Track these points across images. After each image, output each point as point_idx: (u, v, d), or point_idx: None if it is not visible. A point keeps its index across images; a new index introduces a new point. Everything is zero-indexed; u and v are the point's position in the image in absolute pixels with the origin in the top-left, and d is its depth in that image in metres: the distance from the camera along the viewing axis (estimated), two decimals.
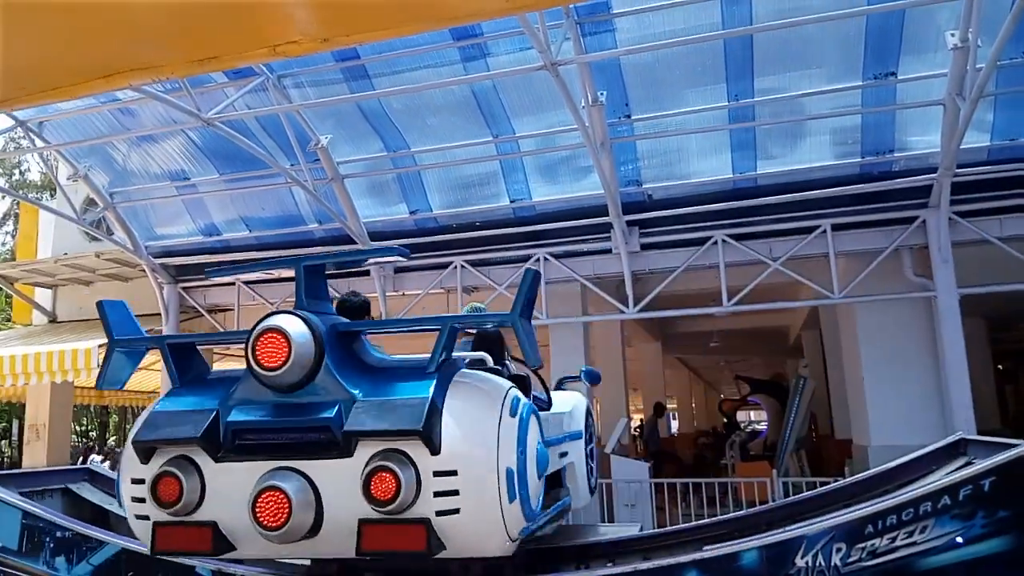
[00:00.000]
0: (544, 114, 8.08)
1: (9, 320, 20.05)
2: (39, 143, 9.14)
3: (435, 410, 2.71)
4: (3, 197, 31.37)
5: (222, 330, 10.08)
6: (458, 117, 8.26)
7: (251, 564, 3.52)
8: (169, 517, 2.82)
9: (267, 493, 2.65)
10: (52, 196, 20.93)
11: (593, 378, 5.05)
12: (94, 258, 11.28)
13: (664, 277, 9.10)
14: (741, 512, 4.61)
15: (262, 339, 2.75)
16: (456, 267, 9.78)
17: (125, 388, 12.23)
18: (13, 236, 29.06)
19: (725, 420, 19.75)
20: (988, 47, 6.14)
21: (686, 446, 18.44)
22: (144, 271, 10.76)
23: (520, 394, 3.07)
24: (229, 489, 2.80)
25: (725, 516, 4.52)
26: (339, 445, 2.71)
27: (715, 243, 8.89)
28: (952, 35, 6.26)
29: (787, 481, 8.86)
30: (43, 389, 12.21)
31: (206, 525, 2.82)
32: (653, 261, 9.27)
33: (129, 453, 2.95)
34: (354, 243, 9.50)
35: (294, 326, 2.78)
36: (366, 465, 2.67)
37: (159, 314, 10.73)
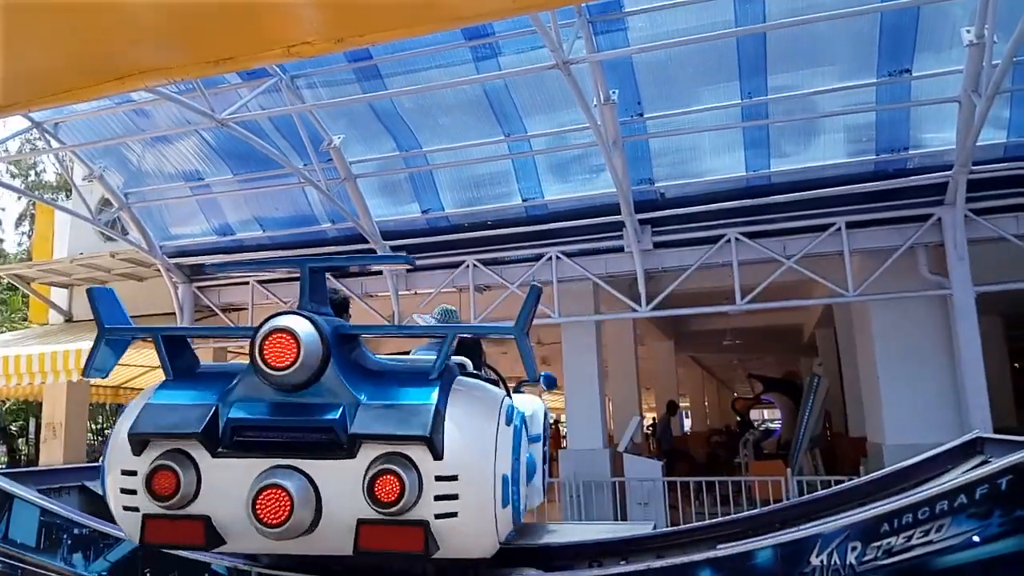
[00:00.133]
0: (556, 113, 8.07)
1: (26, 319, 20.25)
2: (55, 144, 9.22)
3: (439, 417, 2.77)
4: (19, 198, 31.67)
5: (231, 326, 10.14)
6: (470, 116, 8.27)
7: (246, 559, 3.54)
8: (161, 510, 2.82)
9: (269, 490, 2.68)
10: (67, 197, 21.09)
11: (550, 383, 5.14)
12: (109, 258, 11.36)
13: (677, 275, 9.08)
14: (755, 511, 4.59)
15: (270, 339, 2.76)
16: (468, 266, 9.80)
17: (142, 386, 12.31)
18: (29, 236, 29.34)
19: (738, 419, 19.69)
20: (1004, 43, 6.09)
21: (699, 445, 18.39)
22: (159, 271, 10.83)
23: (512, 402, 3.15)
24: (225, 484, 2.81)
25: (739, 515, 4.50)
26: (342, 446, 2.74)
27: (728, 241, 8.86)
28: (968, 31, 6.22)
29: (801, 480, 8.83)
30: (59, 388, 12.31)
31: (199, 519, 2.83)
32: (666, 259, 9.26)
33: (118, 444, 2.93)
34: (366, 242, 9.53)
35: (303, 327, 2.79)
36: (369, 467, 2.72)
37: (174, 313, 10.81)
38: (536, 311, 3.05)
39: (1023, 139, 7.67)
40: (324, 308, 3.20)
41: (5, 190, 31.10)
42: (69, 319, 12.96)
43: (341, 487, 2.76)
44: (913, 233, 8.36)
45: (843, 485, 4.41)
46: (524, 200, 9.23)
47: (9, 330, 21.07)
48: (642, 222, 8.94)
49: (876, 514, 3.15)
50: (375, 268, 10.03)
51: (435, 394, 2.83)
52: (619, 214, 8.58)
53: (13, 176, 29.93)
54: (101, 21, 1.59)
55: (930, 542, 3.05)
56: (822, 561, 3.08)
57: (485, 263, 9.81)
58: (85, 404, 13.38)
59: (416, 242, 9.87)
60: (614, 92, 7.07)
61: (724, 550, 3.29)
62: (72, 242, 13.19)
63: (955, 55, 6.84)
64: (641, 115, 7.90)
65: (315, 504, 2.76)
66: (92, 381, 11.76)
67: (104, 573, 3.61)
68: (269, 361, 2.75)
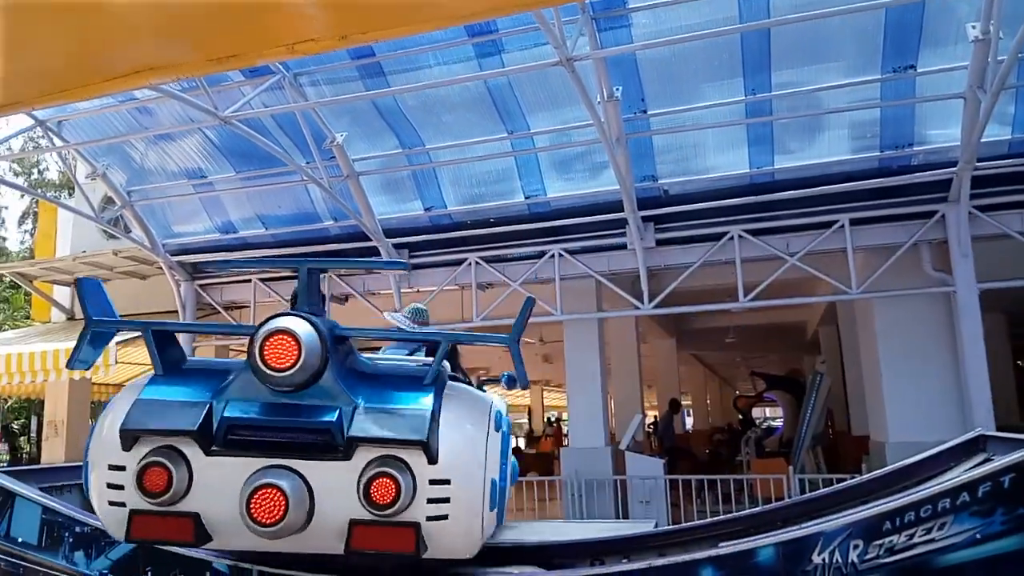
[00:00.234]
0: (559, 110, 8.06)
1: (28, 317, 20.28)
2: (58, 142, 9.23)
3: (435, 422, 2.83)
4: (22, 196, 31.72)
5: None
6: (473, 114, 8.26)
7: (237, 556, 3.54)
8: (150, 506, 2.82)
9: (264, 490, 2.69)
10: (70, 195, 21.14)
11: (511, 383, 5.20)
12: (112, 256, 11.37)
13: (680, 273, 9.07)
14: (757, 509, 4.58)
15: (271, 340, 2.77)
16: (471, 263, 9.80)
17: None
18: (32, 234, 29.39)
19: (740, 417, 19.68)
20: (1010, 39, 6.07)
21: (701, 443, 18.39)
22: (161, 269, 10.84)
23: (500, 409, 3.23)
24: (217, 482, 2.82)
25: (741, 513, 4.49)
26: (339, 448, 2.77)
27: (731, 238, 8.85)
28: (973, 27, 6.19)
29: (803, 478, 8.82)
30: (61, 386, 12.34)
31: (188, 516, 2.84)
32: (669, 257, 9.25)
33: (104, 438, 2.93)
34: (369, 240, 9.53)
35: (304, 329, 2.79)
36: (364, 469, 2.76)
37: (176, 311, 10.82)
38: (529, 319, 3.13)
39: None
40: (319, 308, 3.21)
41: (8, 188, 31.14)
42: (71, 317, 12.97)
43: (335, 488, 2.79)
44: (917, 230, 8.34)
45: (845, 483, 4.40)
46: (527, 197, 9.22)
47: (11, 328, 21.12)
48: (645, 219, 8.93)
49: (878, 512, 3.14)
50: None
51: (430, 399, 2.89)
52: (622, 211, 8.58)
53: (16, 174, 29.97)
54: (105, 19, 1.59)
55: (932, 540, 3.04)
56: (824, 559, 3.08)
57: (488, 260, 9.81)
58: (87, 402, 13.40)
59: (418, 239, 9.87)
60: (617, 89, 7.06)
61: (726, 548, 3.29)
62: (75, 240, 13.21)
63: (960, 51, 6.82)
64: (644, 112, 7.89)
65: (308, 504, 2.78)
66: (94, 379, 11.77)
67: (105, 571, 3.61)
68: (269, 362, 2.76)
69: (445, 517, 2.81)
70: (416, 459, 2.77)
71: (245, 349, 2.86)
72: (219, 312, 11.03)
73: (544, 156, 8.79)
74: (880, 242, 8.56)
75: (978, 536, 3.02)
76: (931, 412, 8.33)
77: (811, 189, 8.27)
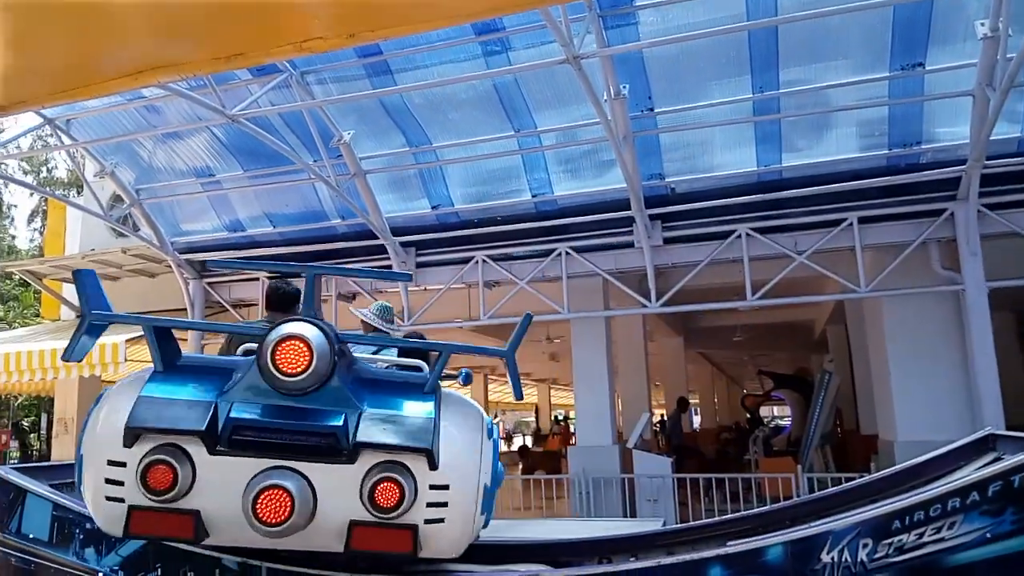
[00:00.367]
0: (566, 108, 8.05)
1: (38, 315, 20.39)
2: (67, 141, 9.26)
3: (437, 429, 2.93)
4: (31, 194, 31.88)
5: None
6: (480, 112, 8.26)
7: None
8: (150, 502, 2.84)
9: (271, 491, 2.75)
10: (79, 193, 21.22)
11: (467, 379, 5.28)
12: (120, 254, 11.41)
13: (687, 271, 9.06)
14: (765, 508, 4.57)
15: (284, 345, 2.81)
16: (478, 262, 9.80)
17: None
18: (41, 232, 29.53)
19: (748, 415, 19.64)
20: (1019, 36, 6.05)
21: (709, 441, 18.38)
22: (170, 267, 10.88)
23: (489, 417, 3.34)
24: (220, 481, 2.85)
25: (749, 511, 4.48)
26: (344, 452, 2.83)
27: (739, 237, 8.83)
28: (982, 24, 6.16)
29: (812, 477, 8.80)
30: (71, 383, 12.40)
31: (189, 513, 2.87)
32: (676, 255, 9.23)
33: (102, 433, 2.93)
34: (376, 238, 9.55)
35: (315, 335, 2.84)
36: (368, 472, 2.84)
37: (185, 309, 10.86)
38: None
39: None
40: (318, 313, 3.27)
41: (17, 186, 31.33)
42: (80, 315, 13.02)
43: (337, 490, 2.85)
44: (926, 228, 8.31)
45: (854, 482, 4.38)
46: (534, 196, 9.22)
47: (21, 326, 21.23)
48: (652, 217, 8.92)
49: (887, 511, 3.13)
50: (385, 263, 10.03)
51: (431, 407, 2.99)
52: (629, 209, 8.57)
53: (25, 172, 30.13)
54: (113, 18, 1.59)
55: (942, 539, 3.03)
56: (833, 558, 3.07)
57: (494, 259, 9.81)
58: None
59: (425, 238, 9.88)
60: (624, 87, 7.05)
61: (734, 547, 3.28)
62: (84, 238, 13.27)
63: (969, 48, 6.78)
64: (652, 110, 7.87)
65: (312, 505, 2.84)
66: (103, 376, 11.82)
67: (116, 567, 3.63)
68: (281, 367, 2.80)
69: (442, 520, 2.91)
70: (418, 465, 2.85)
71: (221, 343, 2.88)
72: (227, 310, 11.07)
73: (551, 154, 8.79)
74: (889, 240, 8.53)
75: (988, 535, 3.01)
76: (940, 411, 8.30)
77: (819, 187, 8.25)
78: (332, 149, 8.45)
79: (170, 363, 3.09)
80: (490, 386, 25.57)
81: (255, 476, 2.80)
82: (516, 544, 4.33)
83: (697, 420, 25.66)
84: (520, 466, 18.52)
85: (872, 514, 3.17)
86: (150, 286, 12.03)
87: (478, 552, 4.09)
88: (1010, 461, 3.12)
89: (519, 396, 3.34)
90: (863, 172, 8.19)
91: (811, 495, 4.77)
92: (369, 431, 2.85)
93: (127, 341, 9.57)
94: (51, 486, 4.05)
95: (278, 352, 2.80)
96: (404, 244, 9.91)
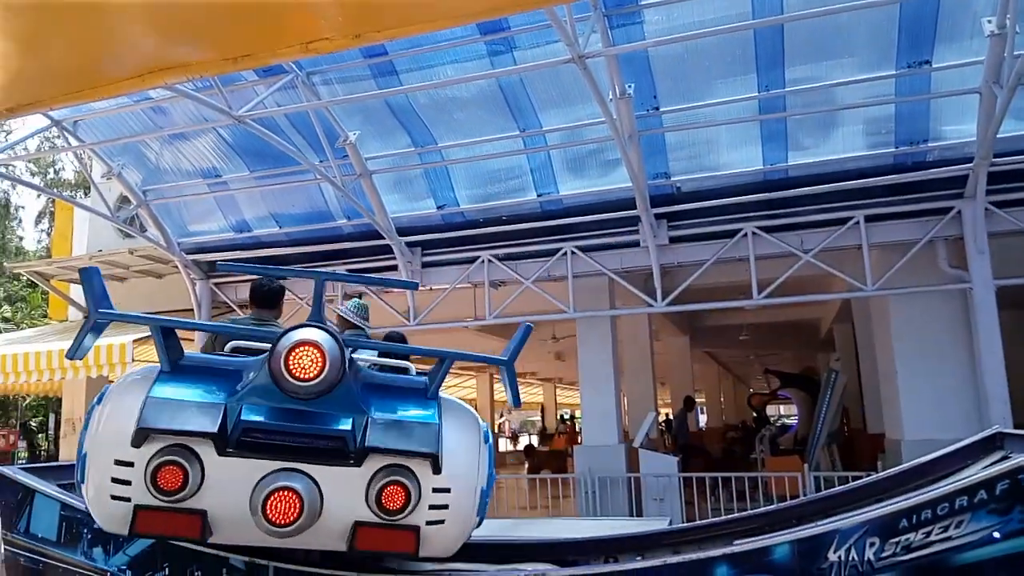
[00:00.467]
0: (571, 107, 8.05)
1: (45, 316, 20.48)
2: (74, 142, 9.30)
3: (441, 435, 3.03)
4: (39, 195, 32.00)
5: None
6: (485, 111, 8.26)
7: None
8: (158, 502, 2.87)
9: (281, 492, 2.81)
10: (86, 194, 21.32)
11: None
12: (128, 255, 11.45)
13: (693, 270, 9.05)
14: (772, 507, 4.57)
15: (297, 351, 2.85)
16: (483, 261, 9.81)
17: None
18: (49, 234, 29.65)
19: (754, 414, 19.59)
20: None
21: (715, 440, 18.33)
22: (177, 267, 10.92)
23: (485, 423, 3.45)
24: (227, 482, 2.89)
25: (756, 510, 4.48)
26: (351, 456, 2.90)
27: (745, 235, 8.82)
28: (989, 22, 6.13)
29: (818, 476, 8.78)
30: (79, 384, 12.45)
31: (196, 513, 2.92)
32: (682, 254, 9.22)
33: (107, 433, 2.94)
34: (382, 238, 9.56)
35: (328, 341, 2.89)
36: (374, 476, 2.93)
37: (192, 309, 10.89)
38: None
39: None
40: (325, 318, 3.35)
41: (25, 188, 31.47)
42: (88, 316, 13.06)
43: (343, 491, 2.93)
44: (933, 226, 8.28)
45: (861, 481, 4.37)
46: (539, 195, 9.22)
47: (29, 327, 21.32)
48: (658, 216, 8.91)
49: (894, 510, 3.13)
50: (391, 263, 10.05)
51: (434, 413, 3.10)
52: (635, 209, 8.56)
53: (33, 174, 30.26)
54: (120, 20, 1.60)
55: (949, 538, 3.03)
56: (840, 557, 3.06)
57: (500, 258, 9.82)
58: None
59: (431, 237, 9.89)
60: (630, 86, 7.04)
61: (741, 546, 3.28)
62: (91, 239, 13.33)
63: (976, 46, 6.76)
64: (657, 109, 7.86)
65: (319, 506, 2.90)
66: (111, 376, 11.86)
67: (123, 567, 3.64)
68: (295, 373, 2.84)
69: (442, 522, 3.03)
70: (422, 469, 2.95)
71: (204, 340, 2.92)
72: (234, 310, 11.10)
73: (556, 154, 8.78)
74: (895, 239, 8.51)
75: (996, 534, 3.00)
76: (947, 409, 8.28)
77: (825, 185, 8.23)
78: (338, 149, 8.47)
79: (175, 363, 3.11)
80: (496, 386, 25.56)
81: (263, 477, 2.86)
82: (523, 543, 4.33)
83: (703, 419, 25.62)
84: (526, 465, 18.52)
85: (879, 513, 3.16)
86: (157, 287, 12.07)
87: (485, 551, 4.10)
88: (1018, 460, 3.11)
89: (517, 403, 3.44)
90: (869, 170, 8.17)
91: (818, 494, 4.76)
92: (377, 436, 2.92)
93: (135, 341, 9.60)
94: (59, 486, 4.07)
95: (291, 357, 2.84)
96: (410, 244, 9.92)
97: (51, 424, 23.97)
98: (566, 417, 29.73)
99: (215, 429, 2.82)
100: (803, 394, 16.61)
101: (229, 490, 2.89)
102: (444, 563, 3.63)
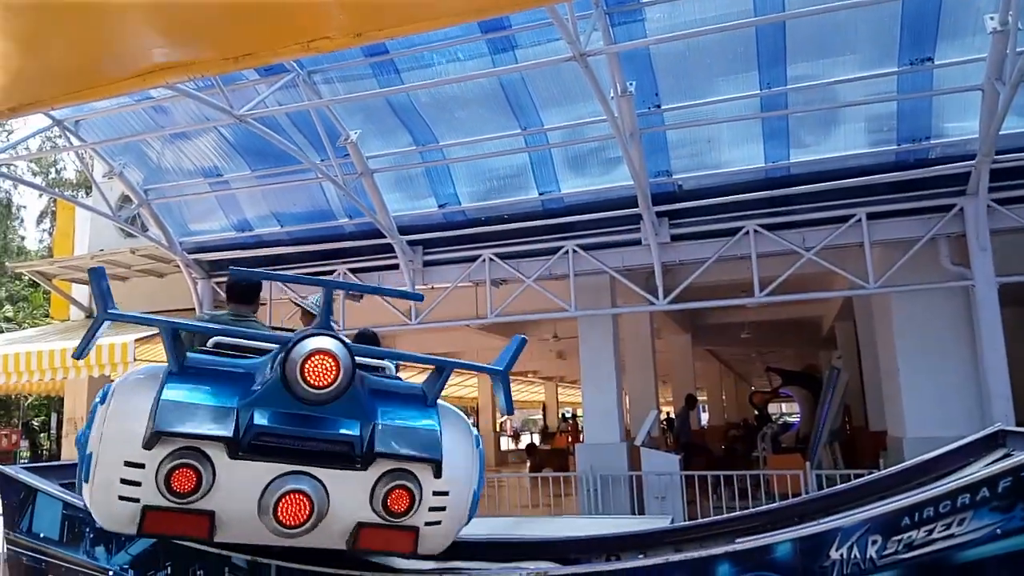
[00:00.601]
0: (573, 105, 8.04)
1: (47, 316, 20.49)
2: (75, 141, 9.30)
3: (441, 440, 3.16)
4: (40, 195, 32.03)
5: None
6: (486, 110, 8.26)
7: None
8: (168, 503, 2.91)
9: (292, 495, 2.91)
10: (88, 194, 21.33)
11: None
12: (129, 254, 11.47)
13: (694, 268, 9.04)
14: (774, 505, 4.57)
15: (313, 359, 2.92)
16: (485, 260, 9.80)
17: None
18: (50, 233, 29.68)
19: (756, 412, 19.56)
20: None
21: (716, 439, 18.32)
22: (178, 267, 10.93)
23: (476, 432, 3.60)
24: (237, 484, 2.96)
25: (757, 509, 4.48)
26: (358, 460, 3.01)
27: (747, 233, 8.81)
28: (991, 18, 6.12)
29: (820, 474, 8.77)
30: (81, 383, 12.47)
31: (205, 513, 2.98)
32: (683, 252, 9.21)
33: (120, 434, 2.94)
34: (383, 237, 9.56)
35: (341, 350, 2.97)
36: (379, 479, 3.04)
37: (193, 308, 10.90)
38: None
39: None
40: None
41: (26, 187, 31.48)
42: (90, 315, 13.09)
43: (348, 494, 3.04)
44: (935, 224, 8.27)
45: (863, 479, 4.37)
46: (540, 194, 9.21)
47: (31, 326, 21.35)
48: (659, 215, 8.90)
49: (896, 508, 3.13)
50: (392, 262, 10.05)
51: (435, 419, 3.24)
52: (636, 207, 8.55)
53: (34, 174, 30.29)
54: (121, 19, 1.60)
55: (951, 536, 3.02)
56: (842, 555, 3.06)
57: (502, 257, 9.81)
58: None
59: (432, 236, 9.88)
60: (631, 84, 7.03)
61: (743, 544, 3.28)
62: (92, 239, 13.33)
63: (978, 42, 6.75)
64: (659, 107, 7.85)
65: (326, 508, 3.01)
66: (112, 376, 11.87)
67: (126, 566, 3.65)
68: (310, 380, 2.91)
69: (439, 523, 3.19)
70: (424, 473, 3.08)
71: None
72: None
73: (558, 152, 8.78)
74: (897, 236, 8.49)
75: (998, 532, 3.00)
76: (949, 407, 8.26)
77: (827, 183, 8.21)
78: (339, 148, 8.47)
79: (181, 364, 3.12)
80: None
81: (273, 480, 2.95)
82: (524, 542, 4.34)
83: (705, 417, 25.59)
84: (528, 464, 18.52)
85: (881, 511, 3.16)
86: (159, 286, 12.08)
87: (487, 550, 4.11)
88: (1020, 457, 3.11)
89: (510, 412, 3.62)
90: (871, 168, 8.15)
91: (820, 492, 4.76)
92: (385, 441, 3.04)
93: (136, 341, 9.62)
94: (61, 485, 4.08)
95: (307, 365, 2.91)
96: (411, 243, 9.92)
97: (53, 423, 24.01)
98: (568, 416, 29.72)
99: (230, 433, 2.88)
100: (805, 392, 16.59)
101: (238, 492, 2.96)
102: (447, 561, 3.66)
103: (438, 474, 3.08)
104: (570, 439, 22.25)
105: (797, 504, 4.41)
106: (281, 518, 2.89)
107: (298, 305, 5.08)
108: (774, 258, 8.86)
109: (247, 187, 9.87)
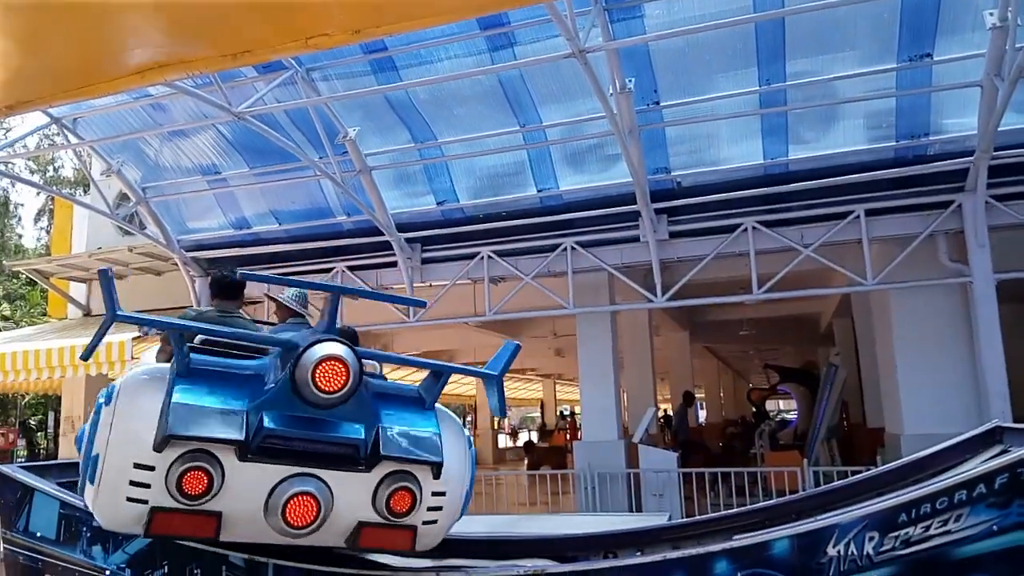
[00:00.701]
0: (572, 102, 8.03)
1: (44, 314, 20.46)
2: (73, 139, 9.28)
3: (441, 443, 3.26)
4: (38, 193, 31.98)
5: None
6: (485, 107, 8.24)
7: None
8: (176, 504, 2.94)
9: (300, 497, 2.99)
10: (86, 192, 21.28)
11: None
12: (127, 252, 11.46)
13: (693, 265, 9.04)
14: (771, 501, 4.57)
15: (324, 365, 2.99)
16: (483, 257, 9.80)
17: None
18: (48, 231, 29.64)
19: (754, 409, 19.58)
20: None
21: (714, 436, 18.35)
22: (176, 265, 10.91)
23: (469, 434, 3.72)
24: (245, 485, 3.01)
25: (755, 505, 4.49)
26: (363, 462, 3.09)
27: (745, 230, 8.81)
28: (991, 14, 6.12)
29: (818, 470, 8.79)
30: (78, 382, 12.46)
31: (212, 514, 3.03)
32: (682, 249, 9.21)
33: (129, 435, 2.96)
34: (382, 235, 9.55)
35: (350, 356, 3.04)
36: (382, 480, 3.14)
37: (191, 306, 10.89)
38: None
39: None
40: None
41: (24, 185, 31.44)
42: (87, 313, 13.08)
43: (351, 494, 3.12)
44: (933, 220, 8.27)
45: (860, 475, 4.38)
46: (539, 191, 9.20)
47: (28, 324, 21.33)
48: (658, 211, 8.90)
49: (894, 504, 3.13)
50: (391, 259, 10.04)
51: (435, 423, 3.34)
52: (635, 204, 8.55)
53: (32, 172, 30.22)
54: (120, 17, 1.59)
55: (948, 532, 3.03)
56: (839, 551, 3.07)
57: (500, 254, 9.80)
58: None
59: (431, 233, 9.87)
60: (630, 80, 7.03)
61: (740, 541, 3.29)
62: (90, 237, 13.31)
63: (977, 39, 6.74)
64: (657, 103, 7.84)
65: (331, 508, 3.09)
66: (110, 375, 11.86)
67: (123, 565, 3.66)
68: (321, 386, 2.99)
69: (435, 522, 3.31)
70: (424, 474, 3.18)
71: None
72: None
73: (556, 149, 8.77)
74: (896, 233, 8.49)
75: (995, 528, 3.01)
76: (947, 404, 8.27)
77: (826, 180, 8.21)
78: (337, 146, 8.46)
79: (186, 366, 3.13)
80: None
81: (280, 482, 3.02)
82: (522, 539, 4.35)
83: (703, 414, 25.63)
84: (526, 461, 18.54)
85: (878, 507, 3.17)
86: (157, 284, 12.07)
87: (485, 547, 4.11)
88: (1017, 454, 3.11)
89: (503, 415, 3.79)
90: (870, 164, 8.15)
91: (817, 489, 4.77)
92: (390, 444, 3.12)
93: (134, 339, 9.61)
94: (58, 484, 4.07)
95: (319, 372, 2.98)
96: (409, 240, 9.91)
97: (50, 422, 23.99)
98: (566, 413, 29.73)
99: (242, 437, 2.93)
100: (803, 389, 16.62)
101: (245, 493, 3.02)
102: (445, 559, 3.70)
103: (437, 475, 3.18)
104: (568, 436, 22.26)
105: (794, 501, 4.42)
106: (289, 519, 2.97)
107: (272, 299, 5.12)
108: (772, 255, 8.86)
109: (245, 185, 9.85)
